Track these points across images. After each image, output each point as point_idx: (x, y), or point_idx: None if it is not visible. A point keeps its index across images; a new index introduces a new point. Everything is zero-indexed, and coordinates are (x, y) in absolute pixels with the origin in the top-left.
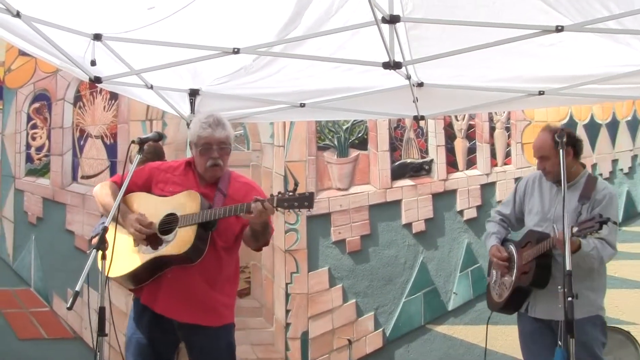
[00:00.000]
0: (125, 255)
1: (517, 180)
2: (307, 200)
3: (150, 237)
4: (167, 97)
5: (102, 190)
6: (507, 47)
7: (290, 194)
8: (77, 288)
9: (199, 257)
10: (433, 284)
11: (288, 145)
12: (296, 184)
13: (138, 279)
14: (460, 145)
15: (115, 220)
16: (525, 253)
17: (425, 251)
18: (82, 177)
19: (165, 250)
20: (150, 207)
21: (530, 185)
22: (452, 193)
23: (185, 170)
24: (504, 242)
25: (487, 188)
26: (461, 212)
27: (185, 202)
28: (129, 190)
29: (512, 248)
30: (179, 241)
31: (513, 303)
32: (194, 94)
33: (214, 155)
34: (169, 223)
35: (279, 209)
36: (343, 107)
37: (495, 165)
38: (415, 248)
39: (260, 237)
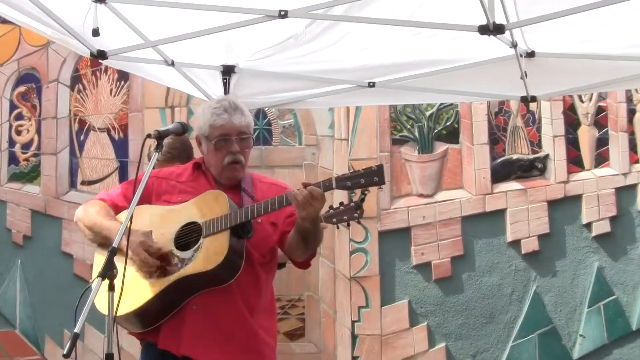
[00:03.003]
0: (129, 286)
1: None
2: (375, 174)
3: (167, 258)
4: (193, 77)
5: (87, 210)
6: None
7: (351, 173)
8: (77, 329)
9: (234, 275)
10: (551, 323)
11: (353, 139)
12: (364, 193)
13: (150, 317)
14: (587, 135)
15: (127, 236)
16: None
17: (539, 278)
18: (83, 183)
19: (188, 269)
20: (159, 220)
21: None
22: (575, 200)
23: (194, 174)
24: None
25: (625, 193)
26: (588, 226)
27: (207, 206)
28: (121, 209)
29: None
30: (207, 254)
31: None
32: (228, 72)
33: (234, 149)
34: (188, 235)
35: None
36: (426, 86)
37: (636, 161)
38: (526, 274)
39: (311, 239)
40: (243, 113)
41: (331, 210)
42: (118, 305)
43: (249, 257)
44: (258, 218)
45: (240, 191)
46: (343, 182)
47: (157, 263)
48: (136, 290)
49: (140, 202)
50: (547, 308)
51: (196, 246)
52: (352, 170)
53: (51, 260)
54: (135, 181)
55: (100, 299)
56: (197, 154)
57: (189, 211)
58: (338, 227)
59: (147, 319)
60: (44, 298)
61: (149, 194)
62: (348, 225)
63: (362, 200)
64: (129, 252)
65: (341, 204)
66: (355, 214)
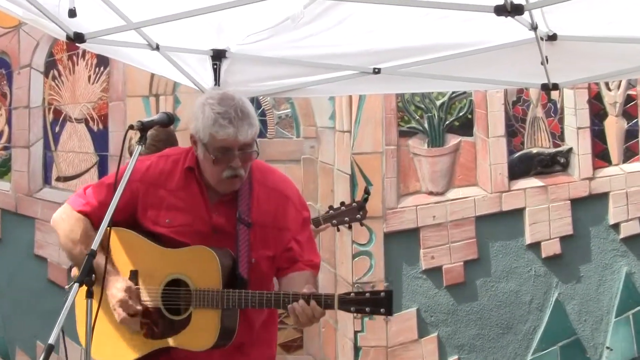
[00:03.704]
0: (118, 334)
1: None
2: (383, 304)
3: (155, 317)
4: (180, 63)
5: (65, 226)
6: None
7: (357, 295)
8: (51, 340)
9: (230, 340)
10: (574, 334)
11: (356, 131)
12: (367, 192)
13: None
14: (614, 126)
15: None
16: None
17: (561, 285)
18: (58, 179)
19: (177, 339)
20: (145, 261)
21: None
22: (601, 198)
23: (186, 179)
24: None
25: None
26: (616, 227)
27: (197, 266)
28: (101, 219)
29: None
30: (197, 330)
31: None
32: (218, 56)
33: (235, 164)
34: (176, 297)
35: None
36: (436, 73)
37: None
38: (547, 280)
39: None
40: (251, 123)
41: (331, 211)
42: (97, 314)
43: (244, 311)
44: (252, 257)
45: (235, 211)
46: (346, 306)
47: (137, 326)
48: (120, 343)
49: (124, 208)
50: (570, 317)
51: (186, 315)
52: (357, 291)
53: (23, 265)
54: (117, 175)
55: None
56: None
57: (177, 263)
58: (338, 230)
59: None
60: (15, 306)
61: (134, 201)
62: (350, 227)
63: (366, 200)
64: (107, 297)
65: (342, 204)
66: (358, 215)
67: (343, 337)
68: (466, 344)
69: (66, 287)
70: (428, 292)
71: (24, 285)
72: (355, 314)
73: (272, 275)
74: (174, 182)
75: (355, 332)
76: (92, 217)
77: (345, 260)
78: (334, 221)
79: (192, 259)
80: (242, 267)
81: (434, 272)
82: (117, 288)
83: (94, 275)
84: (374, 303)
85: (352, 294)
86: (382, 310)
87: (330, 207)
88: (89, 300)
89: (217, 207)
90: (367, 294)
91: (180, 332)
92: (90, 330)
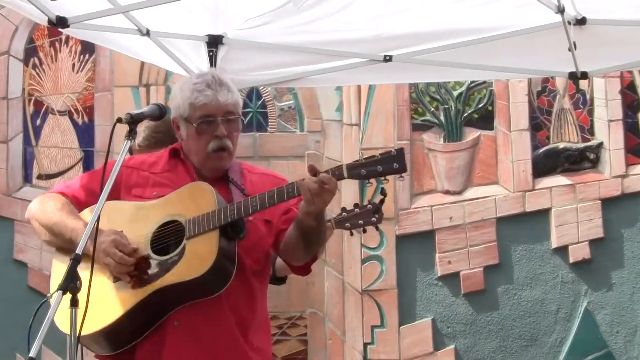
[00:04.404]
0: (96, 300)
1: None
2: (395, 160)
3: (142, 265)
4: (172, 49)
5: (45, 205)
6: None
7: (366, 159)
8: (32, 353)
9: (225, 283)
10: (605, 347)
11: (365, 124)
12: (383, 193)
13: (122, 336)
14: None
15: (94, 238)
16: None
17: (591, 292)
18: (40, 177)
19: (168, 277)
20: (131, 218)
21: None
22: (635, 198)
23: (171, 163)
24: None
25: None
26: None
27: (191, 200)
28: (85, 205)
29: None
30: (191, 259)
31: None
32: (214, 43)
33: (220, 133)
34: (167, 236)
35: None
36: (453, 60)
37: None
38: (575, 287)
39: (314, 239)
40: (230, 89)
41: (344, 214)
42: (82, 324)
43: (241, 264)
44: (251, 216)
45: (228, 183)
46: (356, 170)
47: (132, 261)
48: (105, 304)
49: (108, 197)
50: (600, 328)
51: (178, 250)
52: (366, 156)
53: (1, 270)
54: (104, 171)
55: (60, 314)
56: None
57: (169, 207)
58: (352, 234)
59: (118, 339)
60: None
61: (117, 187)
62: (364, 230)
63: (382, 202)
64: (98, 256)
65: (356, 205)
66: (373, 218)
67: (351, 350)
68: (486, 357)
69: (48, 294)
70: (444, 300)
71: (2, 293)
72: (367, 181)
73: (270, 243)
74: (159, 167)
75: (365, 344)
76: (72, 199)
77: (353, 266)
78: (347, 224)
79: (184, 195)
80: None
81: (451, 279)
82: (106, 235)
83: (78, 282)
84: (386, 161)
85: (360, 160)
86: (395, 165)
87: (343, 209)
88: (73, 309)
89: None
90: (377, 155)
91: (172, 269)
92: (75, 340)
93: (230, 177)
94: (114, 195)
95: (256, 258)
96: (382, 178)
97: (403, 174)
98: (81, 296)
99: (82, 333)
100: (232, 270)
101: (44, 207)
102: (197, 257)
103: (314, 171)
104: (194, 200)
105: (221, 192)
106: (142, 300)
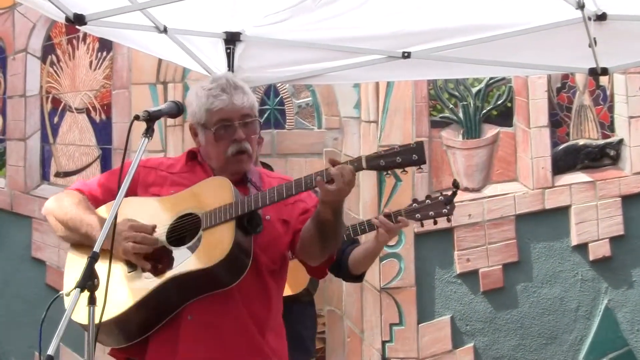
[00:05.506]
0: (110, 290)
1: None
2: (415, 151)
3: (158, 255)
4: (189, 47)
5: (62, 202)
6: None
7: (385, 150)
8: (50, 351)
9: (239, 276)
10: (626, 345)
11: (384, 121)
12: (456, 186)
13: (135, 327)
14: None
15: (112, 239)
16: None
17: (611, 290)
18: (58, 175)
19: (182, 266)
20: (149, 211)
21: None
22: None
23: (190, 164)
24: None
25: None
26: None
27: (209, 194)
28: (102, 203)
29: None
30: (206, 248)
31: None
32: (232, 40)
33: (238, 137)
34: (184, 229)
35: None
36: (472, 57)
37: None
38: (595, 285)
39: (331, 235)
40: (245, 91)
41: (415, 204)
42: (100, 321)
43: (256, 262)
44: (267, 214)
45: (247, 184)
46: (375, 161)
47: (153, 240)
48: (118, 293)
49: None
50: (621, 326)
51: (194, 240)
52: (385, 147)
53: (19, 268)
54: (122, 168)
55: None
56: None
57: (187, 201)
58: (422, 225)
59: (131, 330)
60: (9, 314)
61: (134, 186)
62: (435, 222)
63: (455, 194)
64: (116, 246)
65: (428, 197)
66: (444, 209)
67: (369, 348)
68: (505, 356)
69: (64, 292)
70: (463, 298)
71: (20, 291)
72: (386, 173)
73: (286, 243)
74: (177, 168)
75: (383, 342)
76: (89, 197)
77: None
78: (418, 215)
79: (202, 189)
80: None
81: (470, 277)
82: (123, 223)
83: (96, 280)
84: (405, 152)
85: (379, 151)
86: (414, 157)
87: (414, 200)
88: (92, 308)
89: None
90: (396, 147)
91: (186, 259)
92: (93, 338)
93: (249, 178)
94: (131, 193)
95: (272, 256)
96: (401, 170)
97: (422, 166)
98: (98, 293)
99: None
100: (247, 262)
101: (60, 203)
102: (212, 246)
103: (333, 163)
104: (211, 194)
105: (239, 191)
106: (155, 289)
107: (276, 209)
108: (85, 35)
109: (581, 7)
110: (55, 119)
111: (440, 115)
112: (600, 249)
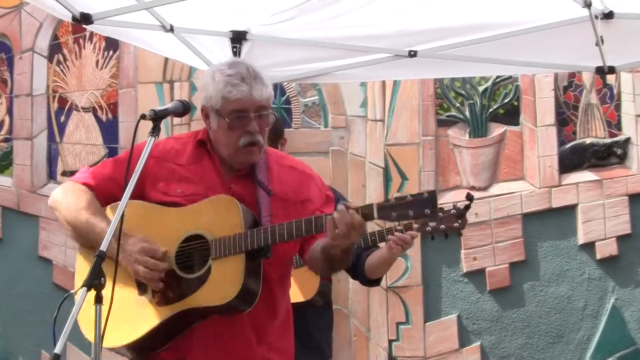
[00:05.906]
0: (124, 311)
1: None
2: (427, 204)
3: (168, 280)
4: (196, 45)
5: (68, 199)
6: None
7: (397, 199)
8: (57, 350)
9: (251, 304)
10: (633, 344)
11: (390, 120)
12: (470, 199)
13: (150, 345)
14: None
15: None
16: None
17: (618, 289)
18: (64, 174)
19: (194, 299)
20: (156, 226)
21: None
22: None
23: (197, 153)
24: None
25: None
26: None
27: (216, 216)
28: (111, 197)
29: None
30: (218, 282)
31: None
32: (238, 39)
33: (252, 129)
34: (192, 251)
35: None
36: (478, 55)
37: None
38: (602, 284)
39: (337, 266)
40: (264, 82)
41: (393, 200)
42: (107, 321)
43: (266, 278)
44: (276, 224)
45: (254, 183)
46: (386, 212)
47: (164, 267)
48: (130, 319)
49: (133, 189)
50: (628, 325)
51: (204, 270)
52: (397, 196)
53: (26, 267)
54: (128, 167)
55: (83, 316)
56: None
57: (194, 219)
58: (433, 238)
59: (145, 349)
60: (17, 313)
61: (143, 177)
62: (446, 236)
63: (467, 207)
64: (126, 264)
65: (439, 210)
66: (456, 223)
67: (376, 347)
68: (512, 355)
69: (72, 291)
70: (470, 297)
71: (27, 290)
72: (397, 223)
73: (296, 251)
74: (185, 158)
75: (390, 341)
76: (97, 191)
77: None
78: (429, 228)
79: (208, 210)
80: None
81: (477, 275)
82: (134, 241)
83: (103, 279)
84: (417, 205)
85: (391, 200)
86: (426, 211)
87: (397, 198)
88: (98, 306)
89: (233, 181)
90: (408, 197)
91: (198, 290)
92: (100, 337)
93: (257, 178)
94: (140, 185)
95: (279, 265)
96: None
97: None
98: (105, 301)
99: (107, 346)
100: (258, 290)
101: (68, 200)
102: (224, 280)
103: (348, 208)
104: (219, 216)
105: (246, 192)
106: (167, 319)
107: (284, 211)
108: (91, 34)
109: (588, 5)
110: (62, 118)
111: (447, 114)
112: (607, 248)
